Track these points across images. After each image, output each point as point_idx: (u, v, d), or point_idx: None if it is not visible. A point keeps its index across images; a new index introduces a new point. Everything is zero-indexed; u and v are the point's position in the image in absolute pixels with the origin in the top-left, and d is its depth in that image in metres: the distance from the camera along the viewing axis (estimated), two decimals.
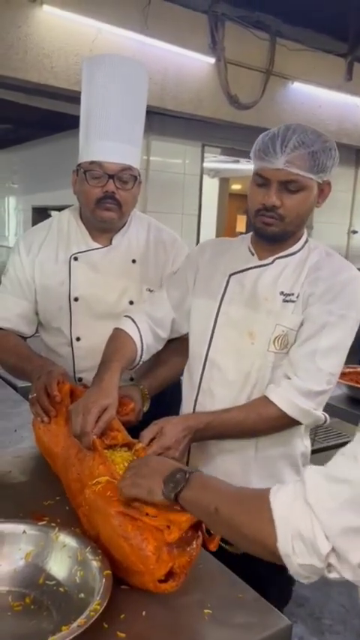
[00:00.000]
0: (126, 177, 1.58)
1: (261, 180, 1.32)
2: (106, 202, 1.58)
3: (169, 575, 0.98)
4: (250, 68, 4.61)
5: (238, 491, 0.91)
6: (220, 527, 0.92)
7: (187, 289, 1.55)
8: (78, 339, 1.68)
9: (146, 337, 1.52)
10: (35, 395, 1.42)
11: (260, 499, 0.82)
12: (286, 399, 1.30)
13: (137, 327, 1.51)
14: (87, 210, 1.65)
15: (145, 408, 1.53)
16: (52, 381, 1.41)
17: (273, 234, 1.35)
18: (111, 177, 1.56)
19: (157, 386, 1.60)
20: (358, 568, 0.73)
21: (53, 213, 6.38)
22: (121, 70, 1.59)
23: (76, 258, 1.68)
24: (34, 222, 6.97)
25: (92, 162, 1.57)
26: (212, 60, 4.38)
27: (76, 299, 1.66)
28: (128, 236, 1.73)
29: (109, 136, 1.56)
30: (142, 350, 1.51)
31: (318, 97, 5.03)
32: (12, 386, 2.34)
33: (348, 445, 0.79)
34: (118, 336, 1.50)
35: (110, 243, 1.71)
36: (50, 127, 5.64)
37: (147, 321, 1.54)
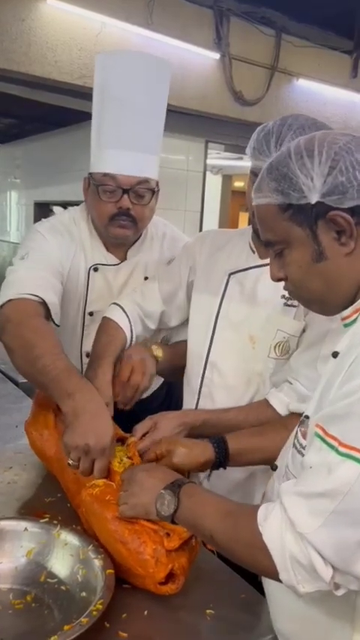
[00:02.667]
0: (142, 190, 1.44)
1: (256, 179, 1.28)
2: (120, 219, 1.45)
3: (170, 576, 0.97)
4: (255, 64, 4.59)
5: (227, 514, 0.87)
6: (220, 550, 0.91)
7: (179, 283, 1.51)
8: (88, 354, 1.52)
9: (136, 327, 1.49)
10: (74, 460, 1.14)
11: (251, 528, 0.78)
12: (285, 404, 1.28)
13: (127, 317, 1.48)
14: (99, 226, 1.53)
15: (159, 357, 1.44)
16: (104, 461, 1.12)
17: None
18: (126, 191, 1.42)
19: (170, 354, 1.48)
20: None
21: (55, 208, 6.37)
22: (140, 67, 1.42)
23: (96, 269, 1.57)
24: (36, 218, 6.96)
25: (105, 175, 1.42)
26: (217, 55, 4.36)
27: (90, 314, 1.57)
28: (143, 250, 1.62)
29: (124, 145, 1.40)
30: (131, 340, 1.48)
31: (323, 94, 5.01)
32: (13, 381, 2.33)
33: (311, 457, 0.75)
34: (108, 328, 1.47)
35: (125, 257, 1.60)
36: (53, 122, 5.62)
37: (137, 310, 1.51)
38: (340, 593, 0.74)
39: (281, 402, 1.29)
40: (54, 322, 1.42)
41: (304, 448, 0.85)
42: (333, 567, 0.71)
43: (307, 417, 0.87)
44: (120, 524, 1.00)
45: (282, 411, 1.28)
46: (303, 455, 0.84)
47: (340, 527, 0.70)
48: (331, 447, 0.71)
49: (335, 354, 0.84)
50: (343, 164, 0.80)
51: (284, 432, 1.07)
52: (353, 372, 0.74)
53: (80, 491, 1.13)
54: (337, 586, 0.73)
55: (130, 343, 1.47)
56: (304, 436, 0.86)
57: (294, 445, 0.90)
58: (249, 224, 1.46)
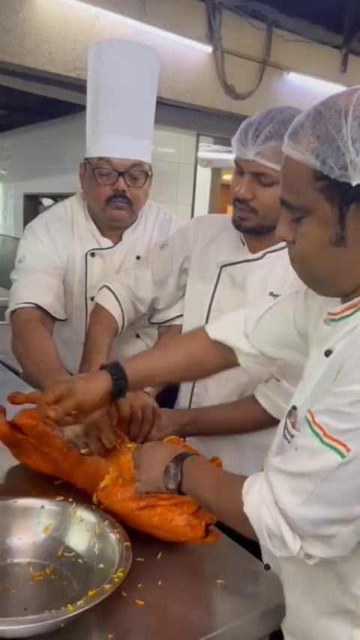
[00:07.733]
0: (137, 173, 1.51)
1: (238, 169, 1.29)
2: (116, 201, 1.51)
3: (207, 529, 1.06)
4: (247, 58, 4.62)
5: (218, 484, 0.94)
6: (218, 518, 0.99)
7: (171, 270, 1.55)
8: None
9: (128, 314, 1.54)
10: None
11: (236, 498, 0.84)
12: (271, 400, 1.32)
13: (119, 304, 1.52)
14: (96, 209, 1.59)
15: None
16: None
17: (247, 228, 1.33)
18: (121, 174, 1.48)
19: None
20: (334, 547, 0.77)
21: (45, 200, 6.35)
22: (131, 56, 1.49)
23: (93, 254, 1.62)
24: (26, 210, 6.91)
25: (100, 159, 1.49)
26: (209, 49, 4.38)
27: (92, 299, 1.61)
28: (137, 232, 1.68)
29: (118, 130, 1.48)
30: (122, 327, 1.53)
31: (313, 88, 5.05)
32: (13, 371, 2.36)
33: (299, 439, 0.80)
34: (101, 317, 1.51)
35: (120, 240, 1.65)
36: (44, 114, 5.59)
37: (129, 295, 1.54)
38: (312, 562, 0.79)
39: (266, 398, 1.33)
40: (57, 318, 1.52)
41: (293, 437, 0.89)
42: (301, 538, 0.77)
43: (294, 407, 0.92)
44: (144, 514, 1.06)
45: (267, 406, 1.32)
46: None
47: (317, 506, 0.75)
48: (317, 434, 0.75)
49: (328, 353, 0.83)
50: None
51: (183, 355, 1.17)
52: (351, 375, 0.74)
53: (79, 466, 1.22)
54: (308, 556, 0.79)
55: (122, 330, 1.53)
56: (294, 426, 0.90)
57: (284, 435, 0.93)
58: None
